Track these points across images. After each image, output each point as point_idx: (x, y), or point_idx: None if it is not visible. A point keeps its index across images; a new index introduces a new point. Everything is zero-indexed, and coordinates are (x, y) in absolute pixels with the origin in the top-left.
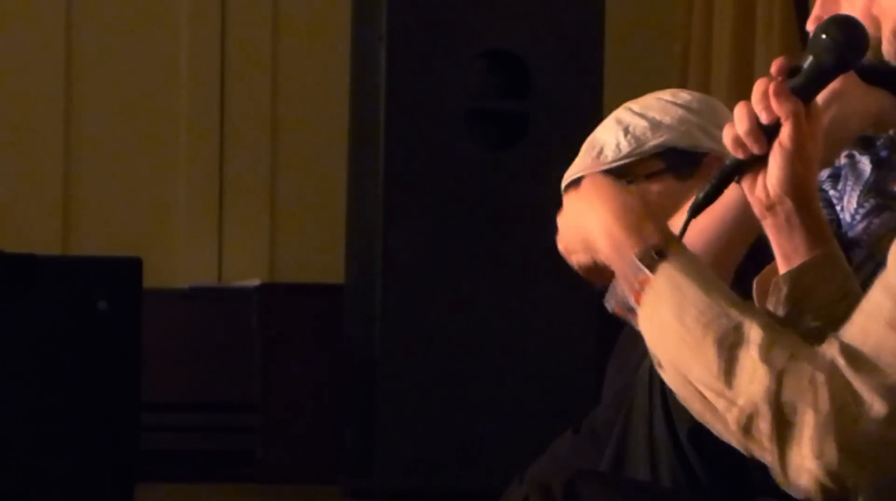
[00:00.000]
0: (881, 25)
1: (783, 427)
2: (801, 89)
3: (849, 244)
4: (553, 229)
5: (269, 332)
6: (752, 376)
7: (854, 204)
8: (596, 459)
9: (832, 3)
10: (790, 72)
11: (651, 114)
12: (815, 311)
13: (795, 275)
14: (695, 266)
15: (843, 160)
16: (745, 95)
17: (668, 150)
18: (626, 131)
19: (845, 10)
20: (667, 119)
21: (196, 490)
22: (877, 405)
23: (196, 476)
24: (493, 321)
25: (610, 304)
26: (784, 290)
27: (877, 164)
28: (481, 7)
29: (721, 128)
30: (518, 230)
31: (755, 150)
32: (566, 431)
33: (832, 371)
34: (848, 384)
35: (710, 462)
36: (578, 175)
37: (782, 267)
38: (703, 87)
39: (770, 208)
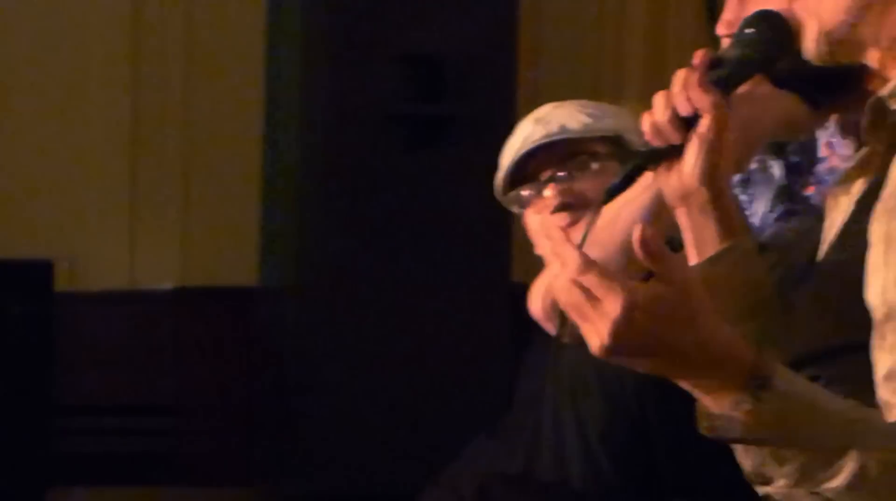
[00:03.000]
0: (803, 25)
1: None
2: (722, 82)
3: (759, 249)
4: (471, 231)
5: (182, 335)
6: None
7: (765, 209)
8: (509, 462)
9: (742, 6)
10: (712, 64)
11: (599, 107)
12: (728, 302)
13: (708, 265)
14: (797, 383)
15: (753, 165)
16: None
17: (619, 137)
18: (586, 113)
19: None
20: (614, 112)
21: (111, 493)
22: None
23: (112, 480)
24: (407, 324)
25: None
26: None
27: (788, 169)
28: (398, 11)
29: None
30: (435, 233)
31: (673, 139)
32: (480, 434)
33: None
34: None
35: (619, 464)
36: (538, 145)
37: (694, 257)
38: (617, 88)
39: (685, 197)
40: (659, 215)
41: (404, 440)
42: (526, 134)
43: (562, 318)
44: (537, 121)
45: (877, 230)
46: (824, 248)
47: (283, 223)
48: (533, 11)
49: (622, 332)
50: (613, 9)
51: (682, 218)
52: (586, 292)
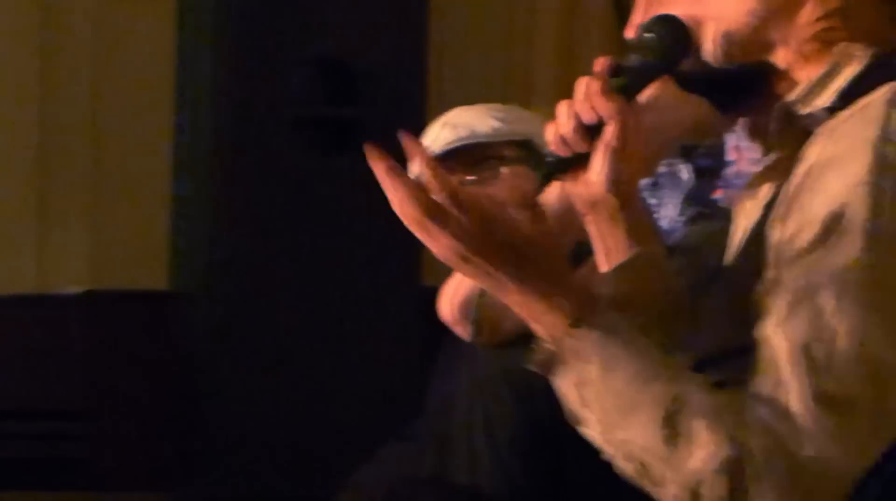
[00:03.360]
0: (703, 27)
1: (738, 494)
2: (625, 88)
3: (668, 252)
4: (381, 234)
5: (93, 339)
6: (700, 442)
7: (673, 212)
8: (420, 466)
9: (651, 11)
10: (614, 71)
11: (508, 111)
12: (637, 308)
13: (618, 273)
14: (622, 327)
15: (662, 169)
16: (569, 98)
17: (528, 141)
18: (495, 117)
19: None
20: (524, 116)
21: (20, 497)
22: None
23: (21, 484)
24: (319, 329)
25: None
26: (607, 288)
27: (697, 172)
28: (308, 15)
29: None
30: (346, 236)
31: (579, 148)
32: (391, 438)
33: (777, 432)
34: (795, 445)
35: (529, 468)
36: (447, 149)
37: (604, 265)
38: (527, 91)
39: (593, 205)
40: (569, 223)
41: (315, 443)
42: (435, 138)
43: (476, 323)
44: (446, 124)
45: (770, 238)
46: (731, 252)
47: (193, 227)
48: (442, 16)
49: (465, 248)
50: (523, 13)
51: (591, 226)
52: (445, 203)
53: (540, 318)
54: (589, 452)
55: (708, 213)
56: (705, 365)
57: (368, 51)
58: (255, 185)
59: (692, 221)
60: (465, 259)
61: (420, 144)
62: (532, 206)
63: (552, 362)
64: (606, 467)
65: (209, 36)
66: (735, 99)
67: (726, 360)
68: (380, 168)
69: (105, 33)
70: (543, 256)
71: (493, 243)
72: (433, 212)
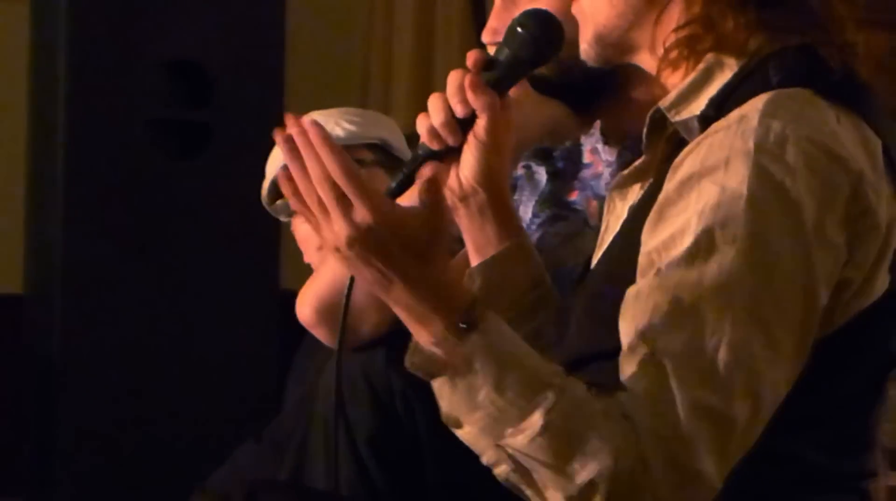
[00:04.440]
0: (578, 27)
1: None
2: (496, 82)
3: None
4: (239, 238)
5: None
6: (590, 450)
7: (530, 214)
8: (277, 468)
9: (507, 14)
10: (486, 65)
11: (363, 115)
12: (507, 302)
13: (488, 266)
14: (508, 333)
15: (520, 171)
16: (424, 105)
17: (383, 145)
18: (350, 121)
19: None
20: (379, 119)
21: None
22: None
23: None
24: (175, 330)
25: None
26: (477, 281)
27: (553, 175)
28: (163, 16)
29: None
30: (201, 238)
31: (450, 141)
32: (248, 440)
33: (665, 441)
34: (683, 454)
35: (388, 470)
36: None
37: (474, 258)
38: (385, 95)
39: (463, 198)
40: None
41: (172, 446)
42: None
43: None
44: None
45: (643, 244)
46: (599, 253)
47: (48, 229)
48: (299, 17)
49: (362, 239)
50: (381, 18)
51: (462, 219)
52: (340, 192)
53: (424, 320)
54: (449, 454)
55: (563, 215)
56: (571, 367)
57: (223, 53)
58: (111, 187)
59: (548, 222)
60: (357, 252)
61: (322, 129)
62: (432, 203)
63: (434, 365)
64: (465, 469)
65: (63, 38)
66: (590, 102)
67: (591, 362)
68: (302, 139)
69: None
70: (436, 257)
71: (390, 238)
72: (337, 198)
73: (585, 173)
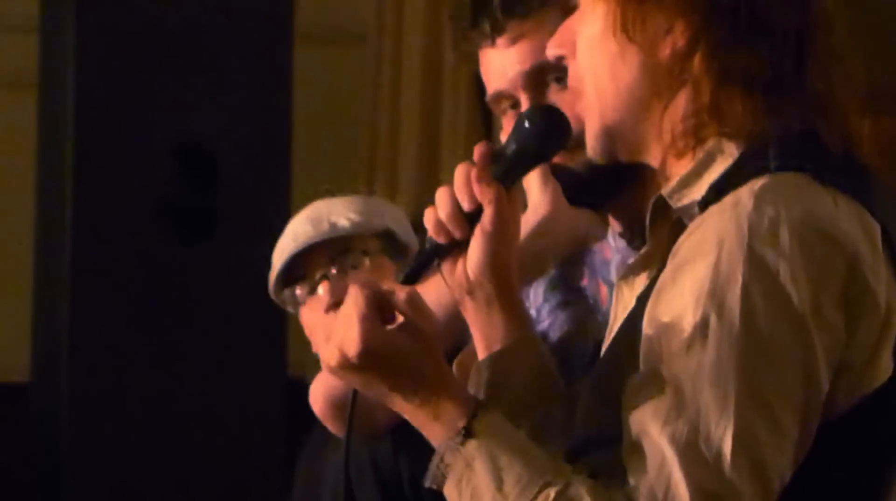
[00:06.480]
0: (586, 123)
1: None
2: (503, 176)
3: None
4: (245, 323)
5: None
6: None
7: (540, 299)
8: None
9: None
10: (492, 158)
11: (368, 203)
12: (514, 392)
13: (495, 360)
14: (505, 429)
15: None
16: (430, 190)
17: (389, 233)
18: (355, 211)
19: None
20: (384, 208)
21: None
22: None
23: None
24: (182, 417)
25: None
26: (485, 374)
27: (562, 261)
28: (170, 102)
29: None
30: (208, 322)
31: (456, 234)
32: None
33: None
34: None
35: None
36: (309, 243)
37: (482, 351)
38: (391, 177)
39: (470, 292)
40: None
41: None
42: (297, 233)
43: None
44: (308, 219)
45: (643, 331)
46: (608, 340)
47: (56, 315)
48: (307, 107)
49: (350, 364)
50: (387, 105)
51: (469, 312)
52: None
53: (426, 426)
54: None
55: (573, 300)
56: (578, 452)
57: (231, 141)
58: (118, 272)
59: (558, 308)
60: (348, 375)
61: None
62: (415, 319)
63: (443, 473)
64: None
65: (70, 125)
66: (604, 197)
67: (598, 447)
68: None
69: None
70: (428, 369)
71: (380, 360)
72: (326, 324)
73: (595, 259)
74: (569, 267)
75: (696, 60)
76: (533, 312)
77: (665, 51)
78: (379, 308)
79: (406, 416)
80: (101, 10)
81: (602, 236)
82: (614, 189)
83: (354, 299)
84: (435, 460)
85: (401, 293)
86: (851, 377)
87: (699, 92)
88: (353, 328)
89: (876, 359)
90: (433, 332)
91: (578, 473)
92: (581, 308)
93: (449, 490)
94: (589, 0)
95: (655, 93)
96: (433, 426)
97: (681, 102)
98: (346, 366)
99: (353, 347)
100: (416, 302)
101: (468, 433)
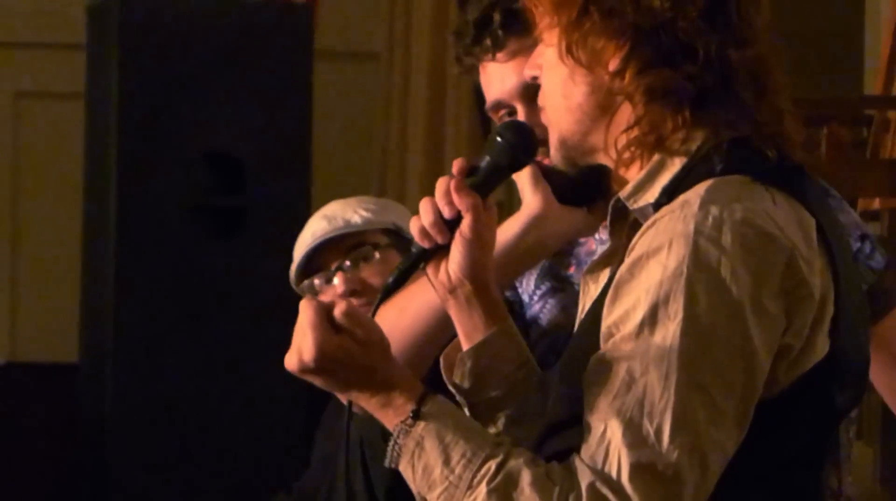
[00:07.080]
0: (548, 133)
1: None
2: (479, 186)
3: (528, 322)
4: (269, 309)
5: (6, 412)
6: None
7: (532, 286)
8: None
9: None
10: (469, 171)
11: (378, 203)
12: (496, 381)
13: (477, 350)
14: (449, 413)
15: None
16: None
17: (397, 229)
18: (366, 208)
19: (526, 117)
20: (392, 207)
21: None
22: None
23: None
24: (215, 396)
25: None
26: (468, 364)
27: (551, 253)
28: (202, 113)
29: None
30: (237, 311)
31: (439, 240)
32: (279, 492)
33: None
34: None
35: None
36: (325, 238)
37: (465, 344)
38: (400, 187)
39: (452, 291)
40: (441, 325)
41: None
42: (314, 230)
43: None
44: (324, 217)
45: (603, 319)
46: (576, 329)
47: (102, 305)
48: (325, 115)
49: (308, 368)
50: (397, 114)
51: (452, 309)
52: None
53: (380, 413)
54: None
55: (560, 287)
56: (550, 431)
57: (257, 148)
58: (157, 267)
59: (547, 294)
60: (308, 376)
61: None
62: (353, 328)
63: (398, 453)
64: None
65: (114, 133)
66: (590, 196)
67: (567, 428)
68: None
69: (22, 130)
70: (376, 365)
71: (333, 363)
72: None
73: (580, 250)
74: (556, 257)
75: (628, 80)
76: (525, 297)
77: (606, 72)
78: (328, 319)
79: (364, 406)
80: (142, 31)
81: (593, 231)
82: (598, 189)
83: (307, 313)
84: (391, 442)
85: (338, 308)
86: (790, 358)
87: (635, 108)
88: (308, 337)
89: (812, 341)
90: (374, 335)
91: (517, 446)
92: (568, 295)
93: (404, 468)
94: (546, 26)
95: (601, 109)
96: (386, 413)
97: (623, 118)
98: (305, 370)
99: (308, 353)
100: (351, 314)
101: (417, 416)
